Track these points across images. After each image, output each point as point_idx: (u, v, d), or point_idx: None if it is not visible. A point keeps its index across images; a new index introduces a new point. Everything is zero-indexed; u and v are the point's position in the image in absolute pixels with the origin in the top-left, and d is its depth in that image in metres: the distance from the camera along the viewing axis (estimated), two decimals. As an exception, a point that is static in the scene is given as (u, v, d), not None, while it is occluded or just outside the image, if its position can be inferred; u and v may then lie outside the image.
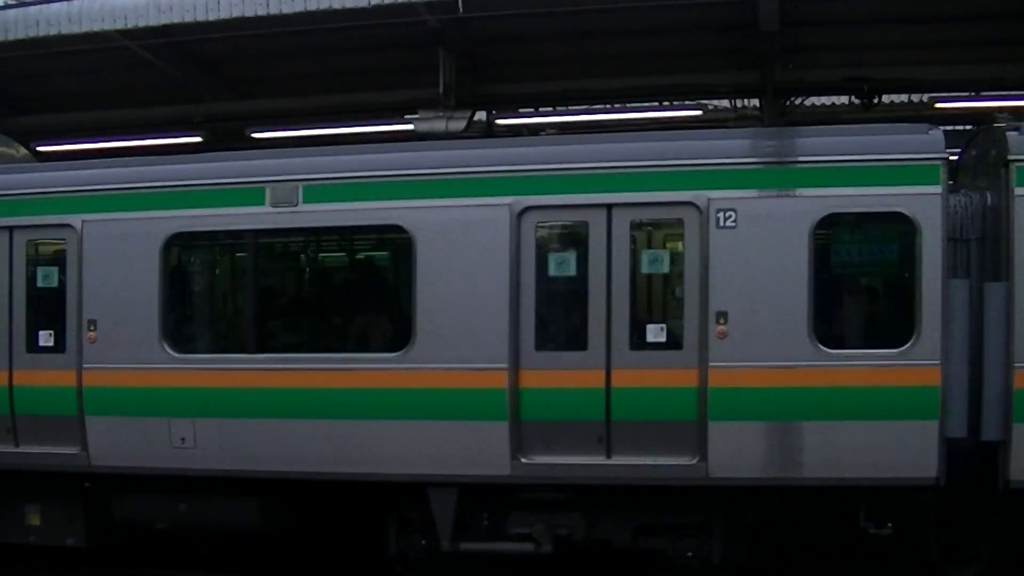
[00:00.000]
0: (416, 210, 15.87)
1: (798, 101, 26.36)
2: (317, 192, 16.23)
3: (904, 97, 26.56)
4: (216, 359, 16.70)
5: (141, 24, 23.53)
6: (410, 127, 25.21)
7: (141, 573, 18.76)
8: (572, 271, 15.63)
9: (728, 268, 15.12)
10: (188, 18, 23.18)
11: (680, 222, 15.37)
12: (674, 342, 15.33)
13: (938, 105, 25.37)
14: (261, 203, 16.35)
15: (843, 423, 14.91)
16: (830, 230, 15.38)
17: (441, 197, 15.87)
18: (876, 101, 25.38)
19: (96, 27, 23.69)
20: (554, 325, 15.85)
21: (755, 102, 26.77)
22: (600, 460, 15.41)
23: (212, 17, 23.01)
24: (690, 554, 15.88)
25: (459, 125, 24.64)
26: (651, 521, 16.04)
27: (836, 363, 14.99)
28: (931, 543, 16.05)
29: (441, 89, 24.74)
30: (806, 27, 23.77)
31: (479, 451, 15.61)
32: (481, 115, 26.65)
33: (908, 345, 14.81)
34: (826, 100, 27.31)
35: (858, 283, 16.28)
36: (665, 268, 15.84)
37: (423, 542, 16.53)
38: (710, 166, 15.36)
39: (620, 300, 15.42)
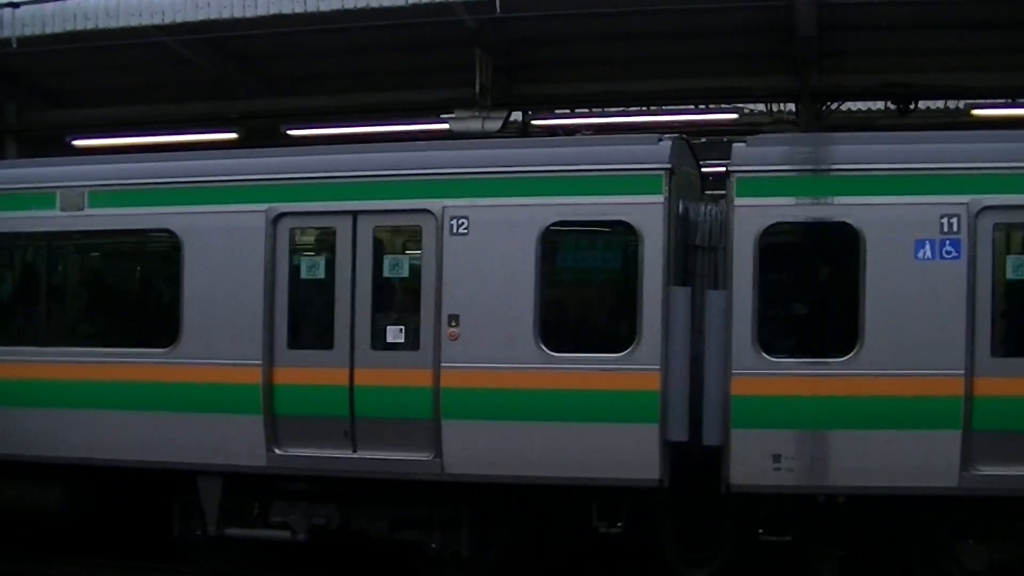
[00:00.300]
0: (184, 215, 16.72)
1: (834, 106, 26.25)
2: (101, 198, 17.12)
3: (940, 103, 26.41)
4: (9, 352, 17.59)
5: (179, 20, 23.69)
6: (446, 127, 25.20)
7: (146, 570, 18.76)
8: (321, 274, 16.38)
9: (460, 273, 15.80)
10: (225, 14, 23.29)
11: (419, 228, 16.03)
12: (412, 343, 15.98)
13: (974, 112, 25.28)
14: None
15: (569, 424, 15.45)
16: (557, 237, 15.88)
17: (206, 203, 16.68)
18: (912, 107, 25.25)
19: (133, 22, 23.82)
20: (305, 325, 16.56)
21: (791, 106, 26.67)
22: (346, 454, 16.09)
23: (249, 14, 23.13)
24: (434, 546, 16.42)
25: (495, 125, 24.64)
26: (404, 514, 16.53)
27: (560, 366, 15.50)
28: (665, 544, 16.41)
29: (477, 89, 24.75)
30: (843, 32, 23.69)
31: (238, 442, 16.30)
32: (517, 116, 26.62)
33: (629, 350, 15.33)
34: (862, 105, 27.20)
35: (584, 289, 16.99)
36: (405, 272, 16.37)
37: (201, 526, 17.10)
38: (445, 175, 16.02)
39: (363, 303, 16.11)
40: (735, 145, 15.80)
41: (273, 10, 22.91)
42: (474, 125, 24.53)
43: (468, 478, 15.85)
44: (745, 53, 24.99)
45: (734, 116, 26.11)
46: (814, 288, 16.07)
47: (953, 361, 14.57)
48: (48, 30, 24.29)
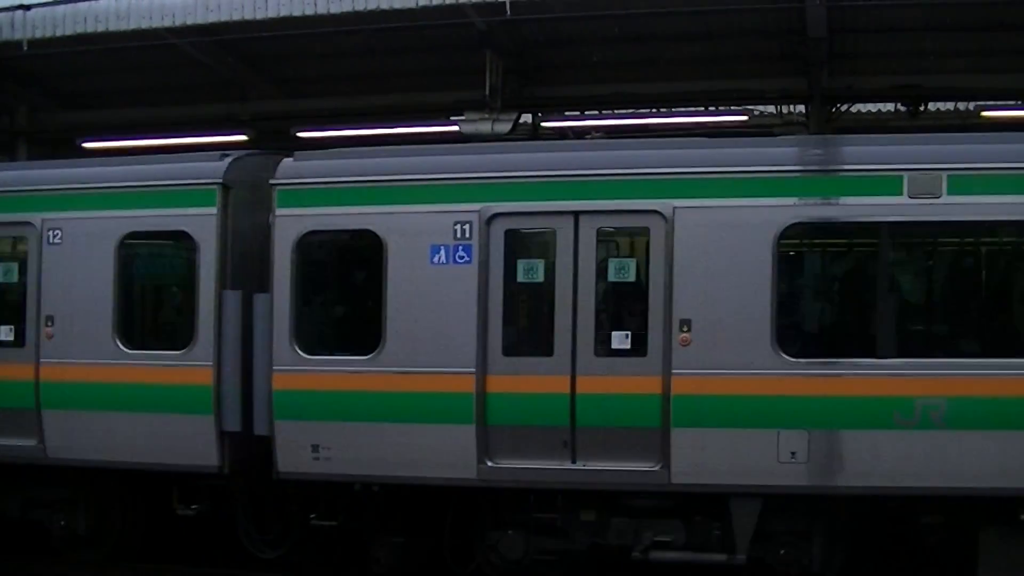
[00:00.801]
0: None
1: (844, 108, 26.24)
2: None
3: (951, 105, 26.39)
4: None
5: (189, 22, 23.71)
6: (456, 128, 25.20)
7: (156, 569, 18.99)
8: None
9: (54, 279, 17.74)
10: (236, 16, 23.31)
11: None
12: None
13: (985, 114, 25.25)
14: None
15: (144, 415, 17.30)
16: (131, 248, 17.89)
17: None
18: (923, 109, 25.26)
19: (144, 24, 23.85)
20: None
21: (801, 108, 26.65)
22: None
23: (260, 16, 23.15)
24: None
25: (505, 127, 24.65)
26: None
27: (135, 362, 17.42)
28: (240, 527, 18.04)
29: (487, 91, 24.71)
30: (854, 34, 23.71)
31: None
32: (527, 117, 26.63)
33: (188, 348, 17.21)
34: (872, 107, 27.18)
35: (157, 293, 19.21)
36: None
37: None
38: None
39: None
40: (283, 160, 17.30)
41: (284, 12, 22.92)
42: (484, 127, 24.52)
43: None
44: (755, 55, 24.98)
45: (744, 118, 26.07)
46: (345, 291, 17.98)
47: (466, 359, 15.97)
48: (59, 32, 24.32)
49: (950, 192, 14.93)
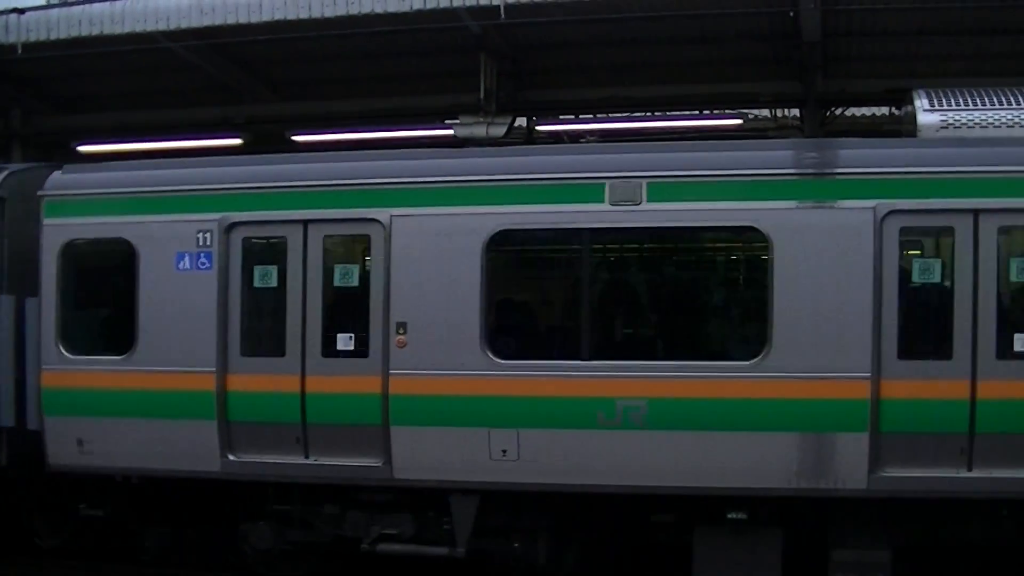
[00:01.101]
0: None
1: (839, 112, 26.27)
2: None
3: (945, 108, 26.41)
4: None
5: (184, 25, 23.80)
6: (451, 132, 25.21)
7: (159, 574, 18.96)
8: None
9: None
10: (231, 20, 23.38)
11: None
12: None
13: (979, 117, 25.27)
14: None
15: None
16: None
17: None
18: (916, 112, 25.28)
19: (139, 28, 23.95)
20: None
21: (796, 112, 26.69)
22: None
23: (254, 19, 23.24)
24: None
25: (500, 131, 24.64)
26: None
27: None
28: (22, 516, 18.96)
29: (482, 95, 24.73)
30: (848, 38, 23.75)
31: None
32: (522, 121, 26.66)
33: None
34: (867, 111, 27.20)
35: None
36: None
37: None
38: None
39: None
40: (53, 173, 17.95)
41: (278, 16, 22.99)
42: (479, 131, 24.49)
43: None
44: (750, 58, 25.02)
45: (739, 121, 26.10)
46: (104, 296, 18.39)
47: (208, 359, 16.76)
48: (53, 36, 24.39)
49: (650, 199, 15.67)
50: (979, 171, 15.22)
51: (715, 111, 26.35)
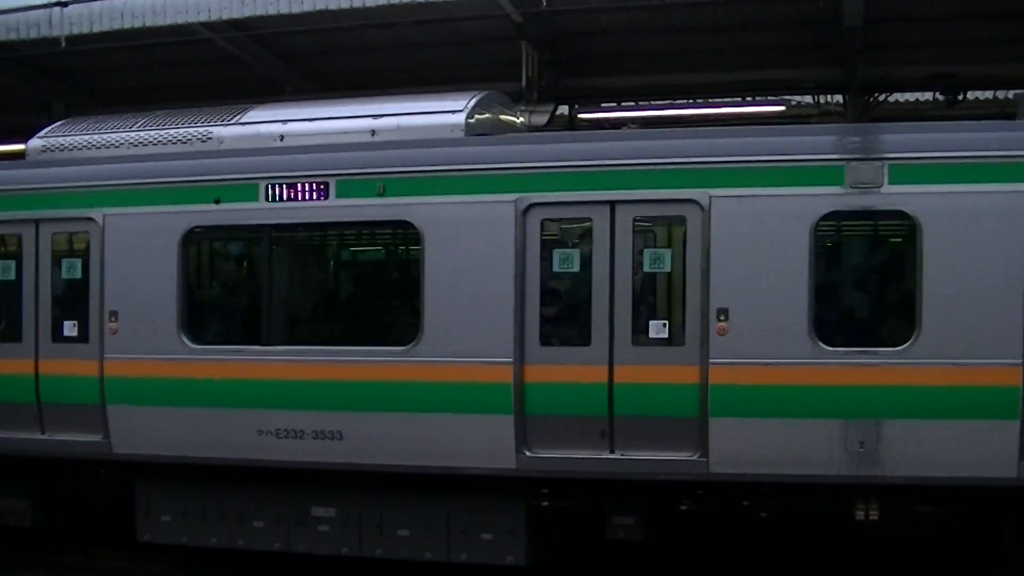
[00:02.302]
0: None
1: (882, 97, 26.12)
2: None
3: (989, 94, 26.23)
4: None
5: (224, 16, 23.88)
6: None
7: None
8: None
9: None
10: (271, 11, 23.44)
11: None
12: None
13: (1025, 101, 25.10)
14: None
15: None
16: None
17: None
18: (961, 98, 25.10)
19: (180, 19, 24.06)
20: None
21: (839, 98, 26.55)
22: None
23: (295, 10, 23.24)
24: None
25: (541, 119, 24.50)
26: None
27: None
28: None
29: (524, 83, 24.73)
30: (890, 23, 23.62)
31: None
32: (563, 109, 26.58)
33: None
34: (910, 96, 27.05)
35: None
36: None
37: None
38: None
39: None
40: None
41: (319, 6, 23.05)
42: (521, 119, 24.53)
43: None
44: (792, 45, 24.91)
45: (781, 108, 25.98)
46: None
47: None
48: (96, 28, 24.50)
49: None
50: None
51: (757, 98, 26.18)
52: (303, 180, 17.21)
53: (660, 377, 15.90)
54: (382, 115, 17.95)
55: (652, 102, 26.59)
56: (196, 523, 18.20)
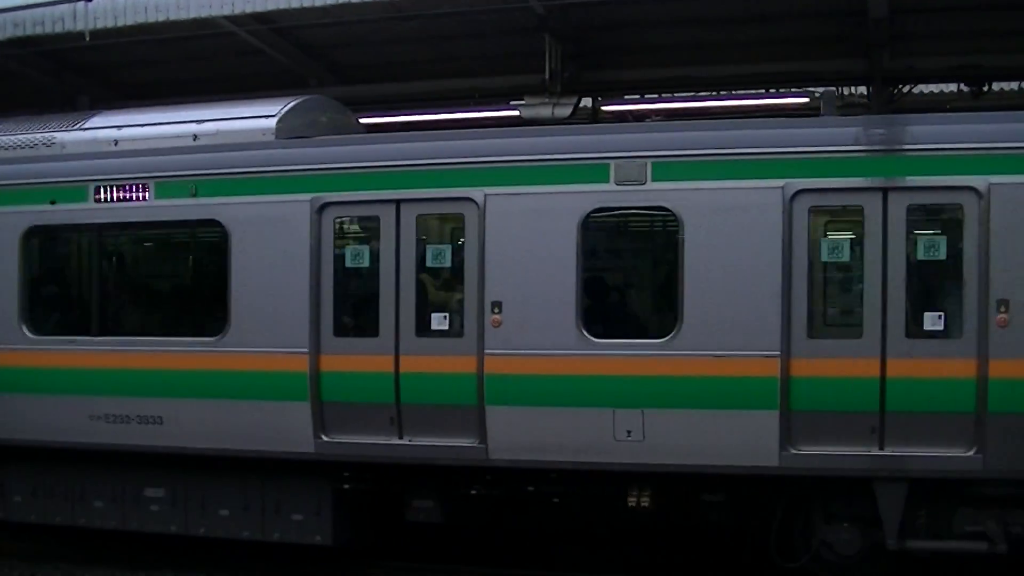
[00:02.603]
0: None
1: (906, 89, 26.05)
2: None
3: (1015, 85, 26.15)
4: None
5: (248, 10, 23.84)
6: (516, 113, 25.21)
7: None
8: None
9: None
10: (295, 4, 23.42)
11: None
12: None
13: (1049, 93, 25.08)
14: None
15: None
16: None
17: None
18: (986, 89, 25.04)
19: (204, 13, 24.01)
20: None
21: (862, 90, 26.49)
22: None
23: (318, 3, 23.19)
24: None
25: (565, 111, 24.63)
26: None
27: None
28: None
29: (547, 75, 24.71)
30: (914, 14, 23.47)
31: None
32: (587, 101, 26.59)
33: None
34: (935, 88, 26.97)
35: None
36: None
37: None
38: None
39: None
40: None
41: (343, -1, 23.06)
42: (544, 112, 24.53)
43: None
44: (815, 37, 24.82)
45: (805, 100, 25.93)
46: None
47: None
48: (120, 23, 24.50)
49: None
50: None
51: (781, 90, 26.14)
52: (127, 182, 18.34)
53: (441, 367, 16.80)
54: (204, 120, 18.84)
55: (676, 94, 26.62)
56: (44, 502, 19.39)
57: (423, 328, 16.94)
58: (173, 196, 18.09)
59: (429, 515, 17.74)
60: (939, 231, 15.63)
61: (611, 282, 17.39)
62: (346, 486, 17.88)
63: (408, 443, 17.00)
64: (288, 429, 17.34)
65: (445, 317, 16.91)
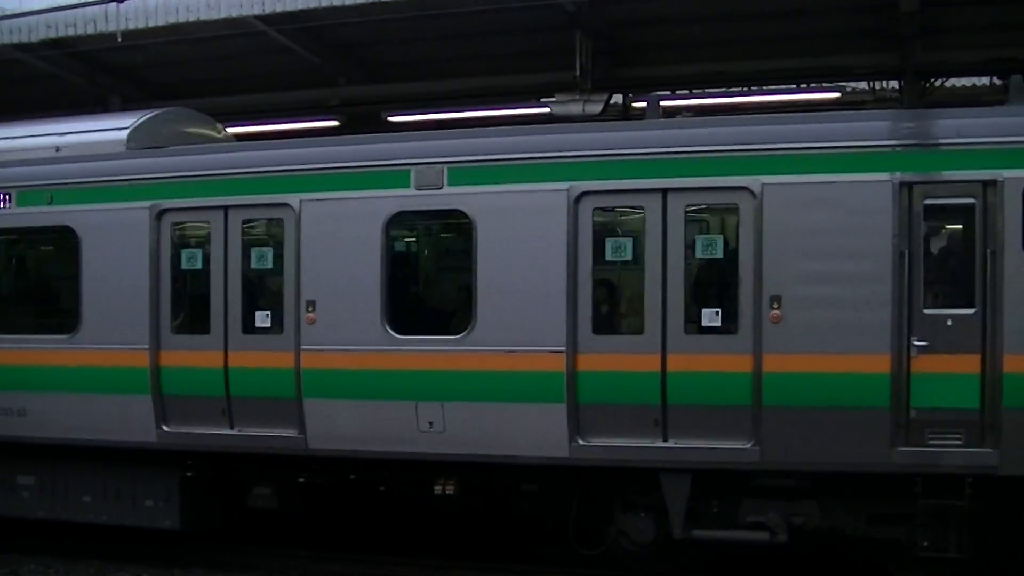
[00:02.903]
0: None
1: (938, 83, 25.94)
2: None
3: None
4: None
5: (278, 9, 23.93)
6: (547, 110, 25.18)
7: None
8: None
9: None
10: (324, 3, 23.50)
11: None
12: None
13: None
14: None
15: None
16: None
17: None
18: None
19: (234, 13, 24.11)
20: None
21: (894, 84, 26.39)
22: None
23: (348, 1, 23.22)
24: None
25: (596, 108, 24.59)
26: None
27: None
28: None
29: (578, 72, 24.64)
30: (946, 7, 23.39)
31: None
32: (618, 98, 26.56)
33: None
34: (966, 81, 26.86)
35: None
36: None
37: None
38: None
39: None
40: None
41: (372, -3, 23.09)
42: (575, 109, 24.48)
43: None
44: (847, 31, 24.71)
45: (837, 95, 25.84)
46: None
47: None
48: (151, 23, 24.66)
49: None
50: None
51: (812, 85, 26.04)
52: None
53: (265, 362, 17.85)
54: (66, 133, 20.01)
55: (707, 90, 26.53)
56: None
57: (248, 326, 18.03)
58: (32, 204, 19.20)
59: (267, 501, 18.80)
60: (716, 231, 16.46)
61: (413, 282, 18.85)
62: (188, 474, 18.97)
63: (238, 433, 18.05)
64: (134, 420, 18.38)
65: (268, 315, 17.97)
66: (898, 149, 15.37)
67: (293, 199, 17.59)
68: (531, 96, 26.23)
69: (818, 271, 15.33)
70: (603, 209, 16.49)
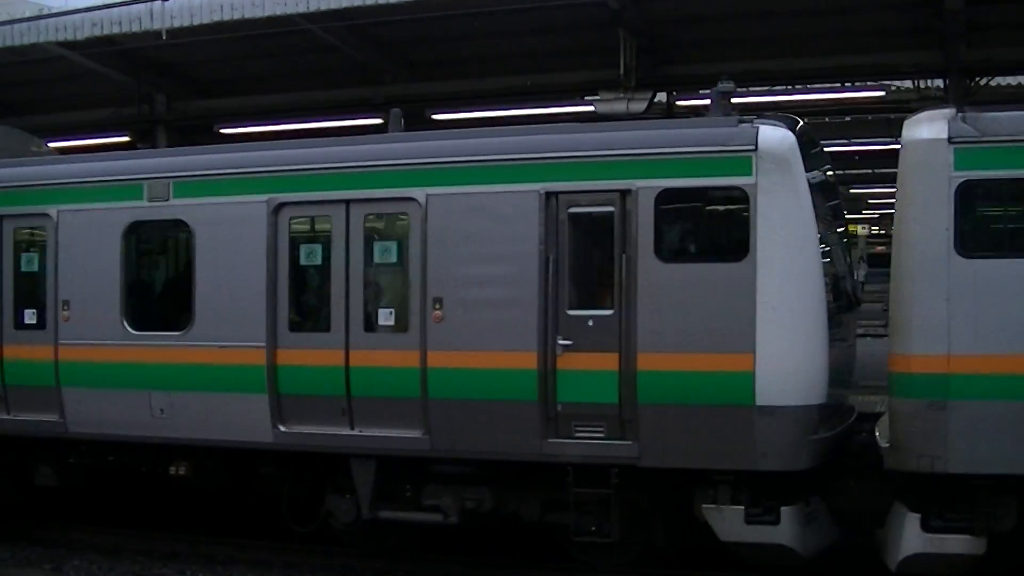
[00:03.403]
0: None
1: (983, 81, 25.83)
2: None
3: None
4: None
5: (323, 7, 24.02)
6: (591, 108, 25.19)
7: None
8: None
9: None
10: (369, 1, 23.46)
11: None
12: None
13: None
14: None
15: None
16: None
17: None
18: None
19: (279, 11, 24.20)
20: None
21: (939, 82, 26.29)
22: None
23: (393, -1, 23.31)
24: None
25: (640, 106, 24.62)
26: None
27: None
28: None
29: (622, 70, 24.71)
30: (991, 4, 23.26)
31: None
32: (662, 96, 26.56)
33: None
34: (1012, 80, 26.75)
35: None
36: None
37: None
38: None
39: None
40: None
41: (417, -5, 23.15)
42: (619, 107, 24.52)
43: None
44: (891, 29, 24.68)
45: (881, 93, 25.78)
46: None
47: None
48: (196, 21, 24.79)
49: None
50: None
51: (856, 83, 25.99)
52: None
53: (32, 355, 19.16)
54: None
55: (751, 88, 26.47)
56: None
57: (19, 322, 19.36)
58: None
59: (48, 479, 19.99)
60: (391, 238, 17.49)
61: (146, 283, 19.86)
62: None
63: (11, 418, 19.30)
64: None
65: (34, 313, 19.29)
66: (548, 160, 16.29)
67: (52, 210, 19.02)
68: (576, 94, 26.24)
69: (474, 274, 16.45)
70: (298, 219, 17.79)
